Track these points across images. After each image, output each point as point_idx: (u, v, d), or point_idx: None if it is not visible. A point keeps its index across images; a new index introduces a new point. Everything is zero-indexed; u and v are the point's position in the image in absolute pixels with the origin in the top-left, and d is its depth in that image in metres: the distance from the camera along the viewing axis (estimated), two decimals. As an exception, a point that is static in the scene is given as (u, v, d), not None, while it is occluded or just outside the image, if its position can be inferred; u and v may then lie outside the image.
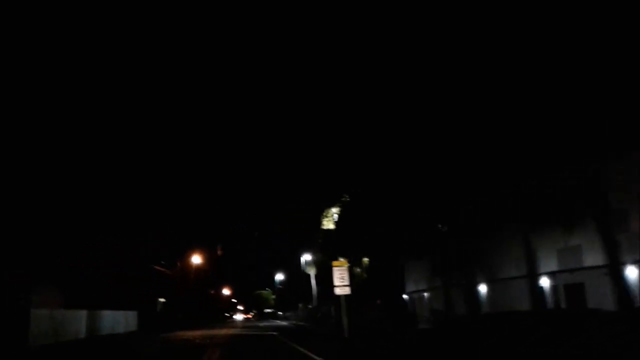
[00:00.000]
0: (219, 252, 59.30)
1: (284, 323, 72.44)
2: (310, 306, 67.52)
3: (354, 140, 31.71)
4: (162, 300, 57.14)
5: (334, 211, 35.95)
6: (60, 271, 41.08)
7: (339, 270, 23.47)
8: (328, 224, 39.78)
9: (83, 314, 31.28)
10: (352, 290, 24.15)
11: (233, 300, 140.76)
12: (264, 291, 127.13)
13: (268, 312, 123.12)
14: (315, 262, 60.50)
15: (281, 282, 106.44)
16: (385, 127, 26.93)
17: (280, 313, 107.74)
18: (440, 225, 27.74)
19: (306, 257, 65.75)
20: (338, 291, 23.34)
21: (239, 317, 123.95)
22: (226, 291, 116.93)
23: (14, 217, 35.04)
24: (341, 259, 27.90)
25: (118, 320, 38.47)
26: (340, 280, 23.12)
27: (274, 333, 34.92)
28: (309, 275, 66.30)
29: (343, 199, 34.50)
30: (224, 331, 39.93)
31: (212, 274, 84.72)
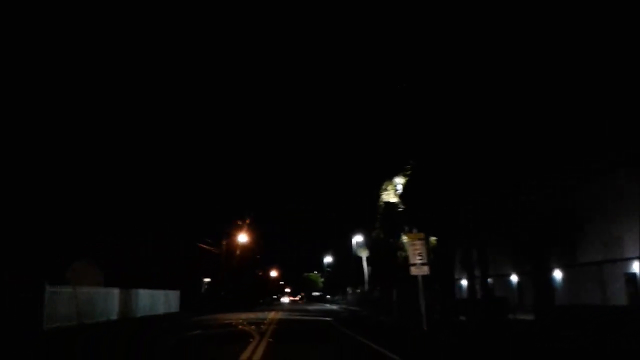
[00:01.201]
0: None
1: (334, 307, 68.45)
2: (359, 290, 64.03)
3: (421, 100, 26.99)
4: (207, 280, 53.99)
5: (398, 181, 31.06)
6: (101, 248, 38.54)
7: (414, 245, 18.84)
8: (388, 197, 34.96)
9: (115, 292, 27.74)
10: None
11: (280, 282, 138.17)
12: (312, 274, 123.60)
13: (316, 295, 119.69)
14: (367, 244, 57.41)
15: (330, 265, 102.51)
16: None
17: (329, 296, 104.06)
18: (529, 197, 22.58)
19: (357, 239, 62.61)
20: (415, 271, 18.74)
21: (285, 299, 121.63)
22: (274, 273, 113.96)
23: (54, 191, 32.58)
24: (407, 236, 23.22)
25: (157, 301, 34.99)
26: (418, 257, 18.47)
27: (328, 319, 30.58)
28: (359, 258, 62.87)
29: (409, 166, 29.58)
30: (271, 315, 35.94)
31: (259, 255, 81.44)
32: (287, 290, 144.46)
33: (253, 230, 61.01)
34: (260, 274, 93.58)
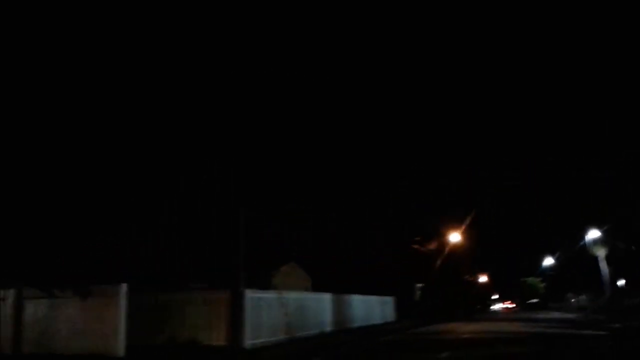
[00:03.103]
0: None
1: (569, 316, 57.66)
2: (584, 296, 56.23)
3: None
4: (419, 285, 48.16)
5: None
6: (307, 252, 35.26)
7: None
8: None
9: (326, 299, 23.13)
10: None
11: (488, 288, 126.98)
12: (530, 278, 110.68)
13: (533, 303, 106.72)
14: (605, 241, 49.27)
15: (552, 268, 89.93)
16: None
17: (551, 304, 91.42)
18: None
19: (593, 235, 53.29)
20: None
21: (497, 306, 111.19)
22: (483, 278, 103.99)
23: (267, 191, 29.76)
24: None
25: (372, 308, 29.99)
26: None
27: (599, 333, 22.32)
28: (594, 258, 53.95)
29: None
30: (501, 326, 28.60)
31: (470, 257, 73.45)
32: (496, 296, 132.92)
33: (470, 229, 53.74)
34: (470, 279, 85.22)
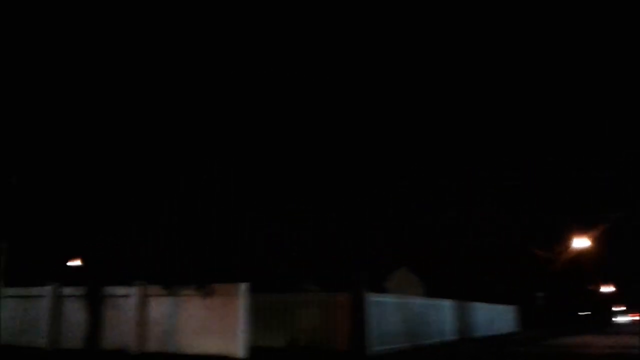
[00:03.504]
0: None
1: None
2: None
3: None
4: (540, 294, 44.77)
5: None
6: (419, 257, 33.77)
7: None
8: None
9: (447, 305, 21.63)
10: None
11: (613, 299, 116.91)
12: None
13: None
14: None
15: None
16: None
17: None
18: None
19: None
20: None
21: (621, 318, 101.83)
22: (608, 288, 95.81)
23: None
24: None
25: (494, 317, 27.90)
26: None
27: None
28: None
29: None
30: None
31: (596, 265, 67.69)
32: (622, 308, 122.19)
33: (599, 235, 49.16)
34: (594, 288, 78.71)
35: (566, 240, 46.84)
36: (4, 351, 14.61)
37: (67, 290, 16.17)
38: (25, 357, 15.21)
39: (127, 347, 14.82)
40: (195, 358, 13.64)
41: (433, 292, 29.00)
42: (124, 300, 15.20)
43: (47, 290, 16.26)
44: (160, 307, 14.95)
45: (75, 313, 15.81)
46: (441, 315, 20.74)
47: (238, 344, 13.52)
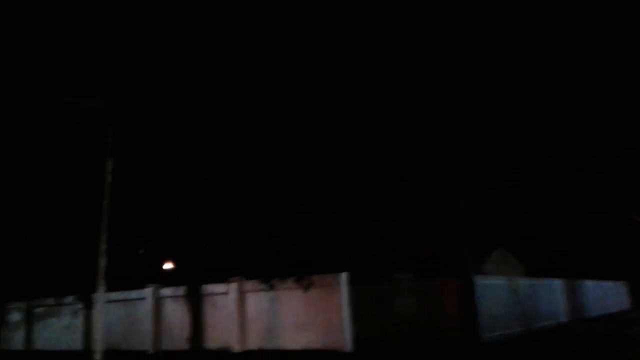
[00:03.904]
0: None
1: None
2: None
3: None
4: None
5: None
6: (518, 237, 31.94)
7: None
8: None
9: (557, 285, 20.08)
10: None
11: None
12: None
13: None
14: None
15: None
16: None
17: None
18: None
19: None
20: None
21: None
22: None
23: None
24: None
25: (605, 295, 25.85)
26: None
27: None
28: None
29: None
30: None
31: None
32: None
33: None
34: None
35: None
36: (111, 356, 14.71)
37: (166, 292, 16.11)
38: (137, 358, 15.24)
39: (228, 346, 14.54)
40: (299, 354, 13.13)
41: (534, 272, 27.27)
42: (223, 298, 14.91)
43: (147, 292, 16.27)
44: (258, 302, 14.56)
45: (176, 314, 15.75)
46: (552, 295, 19.24)
47: (343, 338, 12.87)
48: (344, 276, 13.19)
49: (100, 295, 7.94)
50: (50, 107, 10.30)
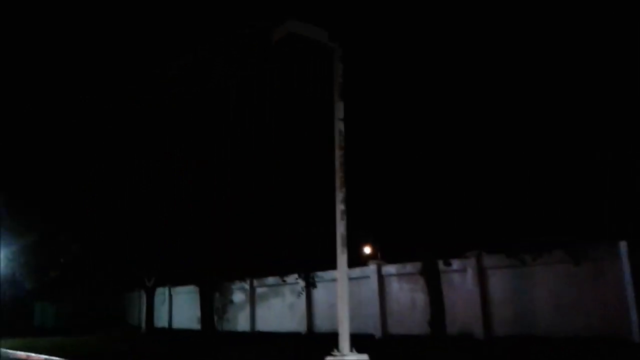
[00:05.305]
0: None
1: None
2: None
3: None
4: None
5: None
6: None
7: None
8: None
9: None
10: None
11: None
12: None
13: None
14: None
15: None
16: None
17: None
18: None
19: None
20: None
21: None
22: None
23: None
24: None
25: None
26: None
27: None
28: None
29: None
30: None
31: None
32: None
33: None
34: None
35: None
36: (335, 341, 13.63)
37: (391, 269, 14.57)
38: (374, 345, 13.98)
39: (470, 332, 12.49)
40: (564, 342, 10.53)
41: None
42: (460, 276, 12.88)
43: (371, 270, 14.88)
44: (503, 281, 12.27)
45: (402, 294, 14.15)
46: None
47: (626, 323, 10.04)
48: (622, 245, 10.30)
49: (342, 268, 6.43)
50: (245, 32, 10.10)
